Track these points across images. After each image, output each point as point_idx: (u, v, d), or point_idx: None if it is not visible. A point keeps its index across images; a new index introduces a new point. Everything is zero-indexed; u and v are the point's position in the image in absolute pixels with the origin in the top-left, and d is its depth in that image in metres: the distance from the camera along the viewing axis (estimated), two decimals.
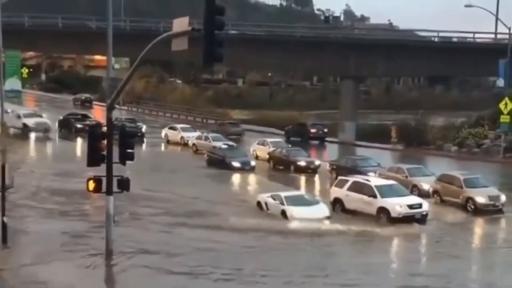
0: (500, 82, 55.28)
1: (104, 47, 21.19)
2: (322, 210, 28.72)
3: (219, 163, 42.14)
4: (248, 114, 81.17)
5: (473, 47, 60.61)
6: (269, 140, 49.09)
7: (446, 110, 77.91)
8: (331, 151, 55.02)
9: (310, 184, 38.98)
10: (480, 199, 30.83)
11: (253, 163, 42.28)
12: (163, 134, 55.78)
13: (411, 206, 28.33)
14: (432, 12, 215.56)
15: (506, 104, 49.46)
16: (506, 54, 51.83)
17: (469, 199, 31.07)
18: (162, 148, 53.51)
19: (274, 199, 29.23)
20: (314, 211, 28.41)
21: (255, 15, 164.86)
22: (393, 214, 27.97)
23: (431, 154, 51.84)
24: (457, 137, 53.97)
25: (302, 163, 41.88)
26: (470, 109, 70.94)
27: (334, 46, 60.04)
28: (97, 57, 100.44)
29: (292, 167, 41.87)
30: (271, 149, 45.44)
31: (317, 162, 42.68)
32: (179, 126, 57.03)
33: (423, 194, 32.48)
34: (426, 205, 28.85)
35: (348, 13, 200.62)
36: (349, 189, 30.10)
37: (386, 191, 29.05)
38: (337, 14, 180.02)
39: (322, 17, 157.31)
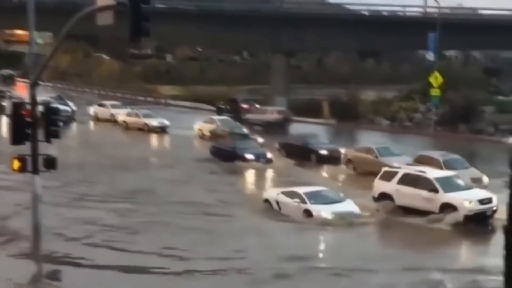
0: (430, 56, 55.86)
1: (26, 21, 19.80)
2: (353, 207, 24.65)
3: (227, 155, 35.92)
4: (178, 90, 79.74)
5: (403, 21, 61.03)
6: (216, 118, 47.13)
7: (377, 84, 78.38)
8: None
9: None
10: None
11: (269, 155, 36.05)
12: (91, 112, 53.94)
13: (481, 201, 24.09)
14: None
15: (436, 77, 49.96)
16: (435, 27, 52.20)
17: None
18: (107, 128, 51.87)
19: (289, 196, 24.82)
20: (345, 208, 24.32)
21: None
22: (462, 212, 23.67)
23: (364, 128, 51.91)
24: (388, 111, 54.28)
25: None
26: (401, 83, 71.60)
27: (265, 20, 59.35)
28: (19, 31, 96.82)
29: None
30: (219, 127, 42.50)
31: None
32: (108, 103, 55.29)
33: None
34: (495, 199, 24.09)
35: None
36: (400, 182, 25.60)
37: (448, 184, 24.90)
38: None
39: None
